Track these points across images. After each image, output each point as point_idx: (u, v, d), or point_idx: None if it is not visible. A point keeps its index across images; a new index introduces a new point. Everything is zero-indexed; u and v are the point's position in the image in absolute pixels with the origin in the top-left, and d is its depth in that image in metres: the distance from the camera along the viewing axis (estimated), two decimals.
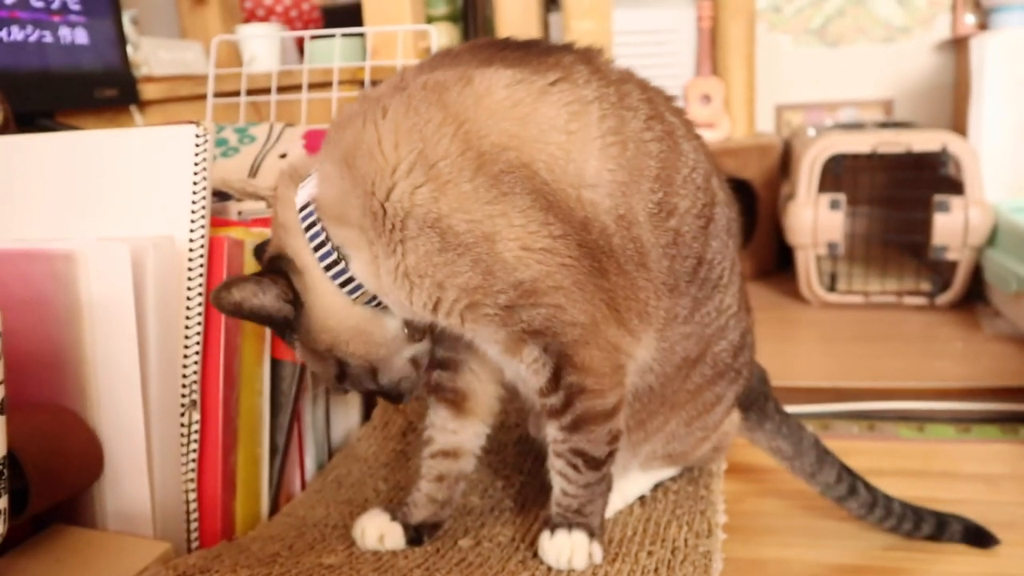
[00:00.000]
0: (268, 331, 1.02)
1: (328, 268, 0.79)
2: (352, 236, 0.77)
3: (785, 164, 2.48)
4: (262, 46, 1.88)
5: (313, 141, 1.36)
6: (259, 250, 0.91)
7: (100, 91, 1.69)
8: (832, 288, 2.23)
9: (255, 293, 0.80)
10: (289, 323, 0.82)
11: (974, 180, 2.06)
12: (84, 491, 0.91)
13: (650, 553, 0.88)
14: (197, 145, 0.93)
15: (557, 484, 0.86)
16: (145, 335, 0.88)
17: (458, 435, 0.93)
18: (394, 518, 0.93)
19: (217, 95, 1.58)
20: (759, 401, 1.03)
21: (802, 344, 1.97)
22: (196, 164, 0.92)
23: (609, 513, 0.94)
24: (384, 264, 0.76)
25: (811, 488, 1.07)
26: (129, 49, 1.80)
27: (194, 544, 0.95)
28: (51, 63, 1.57)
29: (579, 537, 0.85)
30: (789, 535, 1.09)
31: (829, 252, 2.18)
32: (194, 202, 0.92)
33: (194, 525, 0.95)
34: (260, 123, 1.46)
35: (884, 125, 2.40)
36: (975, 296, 2.15)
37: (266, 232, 0.93)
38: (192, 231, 0.92)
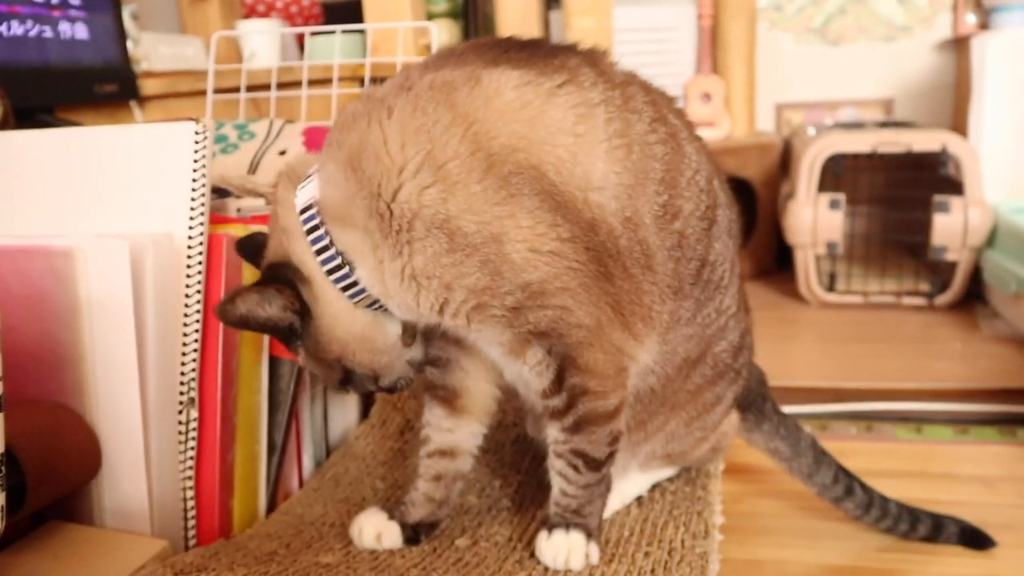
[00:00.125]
0: None
1: (331, 272, 0.78)
2: (356, 239, 0.76)
3: (785, 163, 2.48)
4: (262, 42, 1.88)
5: (313, 138, 1.36)
6: (242, 244, 0.90)
7: (100, 86, 1.69)
8: (831, 288, 2.23)
9: (260, 304, 0.78)
10: (294, 332, 0.82)
11: (974, 181, 2.06)
12: (82, 488, 0.91)
13: (647, 554, 0.88)
14: (196, 142, 0.92)
15: (556, 484, 0.86)
16: (144, 332, 0.88)
17: (454, 434, 0.93)
18: (391, 517, 0.93)
19: (217, 91, 1.58)
20: (757, 402, 1.03)
21: (800, 344, 1.98)
22: (195, 161, 0.92)
23: (607, 513, 0.94)
24: (389, 266, 0.76)
25: (808, 489, 1.07)
26: (129, 44, 1.80)
27: (191, 542, 0.95)
28: (51, 58, 1.56)
29: (576, 537, 0.85)
30: (786, 536, 1.09)
31: (828, 252, 2.18)
32: (193, 199, 0.92)
33: (191, 523, 0.95)
34: (260, 119, 1.45)
35: (884, 124, 2.40)
36: (974, 297, 2.15)
37: (265, 229, 0.93)
38: (191, 228, 0.91)
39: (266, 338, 1.03)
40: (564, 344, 0.78)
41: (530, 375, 0.81)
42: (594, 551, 0.86)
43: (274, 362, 1.05)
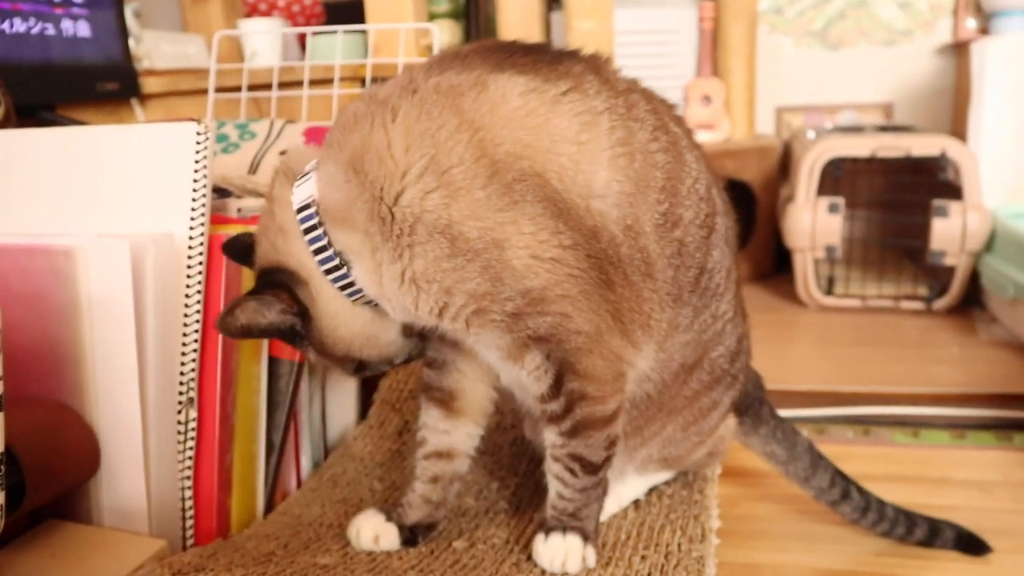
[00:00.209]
0: None
1: (329, 272, 0.78)
2: (355, 240, 0.77)
3: (784, 166, 2.48)
4: (264, 41, 1.88)
5: (314, 138, 1.36)
6: (229, 246, 0.89)
7: (101, 84, 1.69)
8: (829, 291, 2.23)
9: (259, 312, 0.79)
10: (298, 333, 0.82)
11: (973, 185, 2.06)
12: (80, 487, 0.91)
13: (644, 557, 0.88)
14: (198, 143, 0.93)
15: (553, 487, 0.87)
16: (143, 332, 0.88)
17: (450, 436, 0.93)
18: (389, 519, 0.93)
19: (218, 90, 1.58)
20: (754, 406, 1.04)
21: (798, 347, 1.98)
22: (197, 162, 0.92)
23: (604, 517, 0.94)
24: (388, 269, 0.76)
25: (805, 492, 1.07)
26: (131, 42, 1.80)
27: (189, 541, 0.95)
28: (53, 55, 1.57)
29: (573, 540, 0.85)
30: (783, 540, 1.10)
31: (827, 255, 2.18)
32: (194, 200, 0.92)
33: (190, 522, 0.95)
34: (261, 119, 1.46)
35: (884, 129, 2.40)
36: (972, 301, 2.15)
37: None
38: (192, 228, 0.92)
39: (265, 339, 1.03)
40: (563, 350, 0.78)
41: (528, 379, 0.81)
42: (591, 554, 0.86)
43: (273, 362, 1.05)
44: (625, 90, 0.80)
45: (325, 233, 0.77)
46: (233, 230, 0.98)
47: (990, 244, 2.07)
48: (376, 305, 0.82)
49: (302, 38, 2.05)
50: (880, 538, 1.07)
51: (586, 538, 0.86)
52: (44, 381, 0.90)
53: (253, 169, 1.33)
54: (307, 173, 0.79)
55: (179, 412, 0.93)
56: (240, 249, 0.87)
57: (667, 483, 1.05)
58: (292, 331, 0.81)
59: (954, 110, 2.58)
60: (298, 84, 1.61)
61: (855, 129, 2.44)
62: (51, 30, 1.56)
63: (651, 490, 1.04)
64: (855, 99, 2.72)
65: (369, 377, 1.27)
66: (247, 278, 0.98)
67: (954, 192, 2.09)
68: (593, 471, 0.84)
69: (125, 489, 0.90)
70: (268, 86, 1.59)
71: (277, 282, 0.80)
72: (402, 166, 0.73)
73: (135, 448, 0.89)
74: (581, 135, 0.75)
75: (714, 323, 0.89)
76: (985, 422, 1.47)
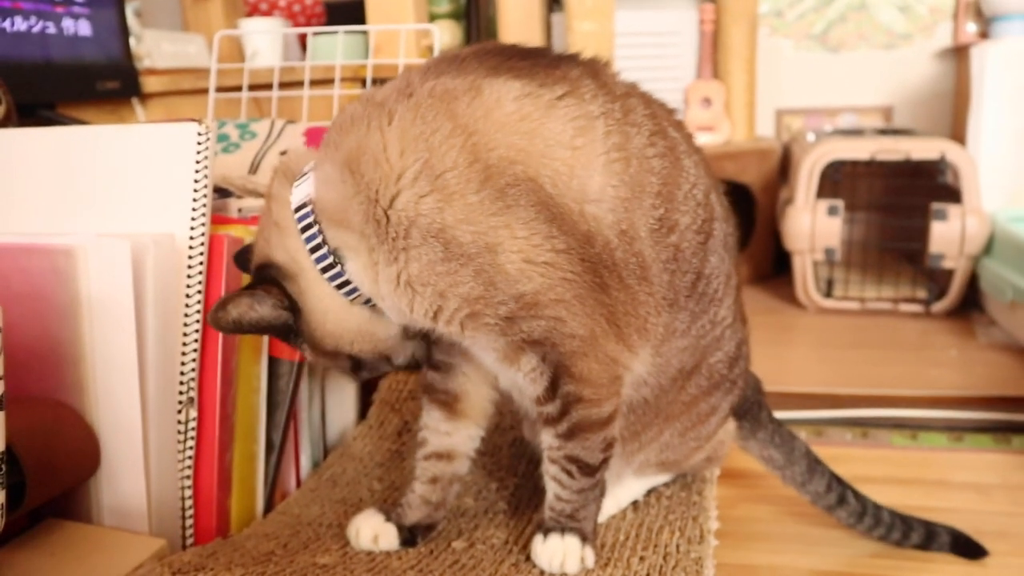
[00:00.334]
0: None
1: (325, 270, 0.79)
2: (351, 240, 0.77)
3: (784, 169, 2.48)
4: (265, 41, 1.88)
5: (314, 138, 1.36)
6: (240, 256, 0.90)
7: (102, 83, 1.69)
8: (828, 294, 2.24)
9: (251, 306, 0.79)
10: (291, 329, 0.82)
11: (972, 189, 2.07)
12: (80, 486, 0.91)
13: (642, 559, 0.88)
14: (199, 143, 0.93)
15: (551, 489, 0.87)
16: (144, 332, 0.89)
17: (451, 437, 0.93)
18: (388, 519, 0.93)
19: (219, 90, 1.58)
20: (752, 410, 1.04)
21: (797, 349, 1.98)
22: (197, 162, 0.92)
23: (602, 518, 0.95)
24: (384, 271, 0.76)
25: (802, 496, 1.07)
26: (132, 41, 1.80)
27: (189, 541, 0.95)
28: (53, 54, 1.57)
29: (572, 541, 0.86)
30: (781, 542, 1.10)
31: (826, 258, 2.19)
32: (195, 200, 0.92)
33: (189, 522, 0.95)
34: (261, 119, 1.46)
35: (883, 132, 2.40)
36: (971, 305, 2.16)
37: None
38: (192, 229, 0.92)
39: (265, 338, 1.03)
40: (558, 353, 0.78)
41: (524, 382, 0.81)
42: (589, 555, 0.86)
43: (273, 362, 1.05)
44: (623, 94, 0.80)
45: (321, 231, 0.78)
46: (234, 230, 0.98)
47: (989, 247, 2.07)
48: (374, 305, 0.82)
49: (303, 38, 2.05)
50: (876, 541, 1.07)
51: (584, 539, 0.86)
52: (44, 380, 0.91)
53: (253, 169, 1.33)
54: (306, 174, 0.80)
55: (179, 412, 0.93)
56: (250, 259, 0.87)
57: (666, 485, 1.06)
58: (285, 327, 0.82)
59: (954, 114, 2.58)
60: (299, 84, 1.61)
61: (855, 132, 2.44)
62: (52, 29, 1.56)
63: (650, 491, 1.04)
64: (855, 102, 2.72)
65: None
66: (248, 278, 0.98)
67: (953, 195, 2.09)
68: (590, 473, 0.85)
69: (125, 488, 0.91)
70: (269, 86, 1.60)
71: (268, 277, 0.81)
72: (397, 169, 0.74)
73: (135, 447, 0.89)
74: (576, 140, 0.75)
75: (712, 328, 0.89)
76: (983, 425, 1.47)
